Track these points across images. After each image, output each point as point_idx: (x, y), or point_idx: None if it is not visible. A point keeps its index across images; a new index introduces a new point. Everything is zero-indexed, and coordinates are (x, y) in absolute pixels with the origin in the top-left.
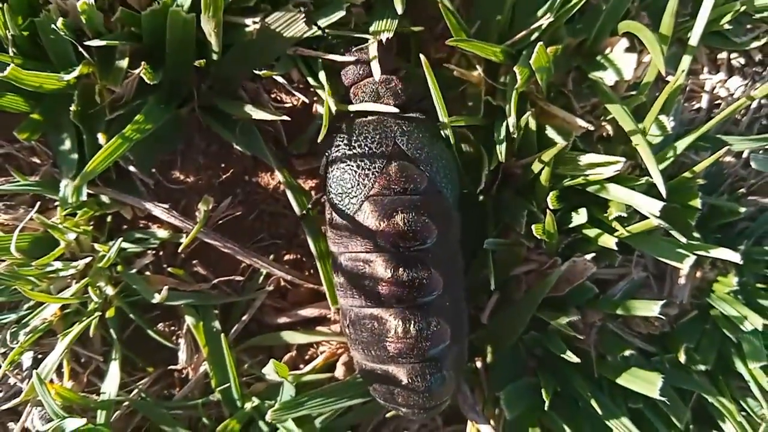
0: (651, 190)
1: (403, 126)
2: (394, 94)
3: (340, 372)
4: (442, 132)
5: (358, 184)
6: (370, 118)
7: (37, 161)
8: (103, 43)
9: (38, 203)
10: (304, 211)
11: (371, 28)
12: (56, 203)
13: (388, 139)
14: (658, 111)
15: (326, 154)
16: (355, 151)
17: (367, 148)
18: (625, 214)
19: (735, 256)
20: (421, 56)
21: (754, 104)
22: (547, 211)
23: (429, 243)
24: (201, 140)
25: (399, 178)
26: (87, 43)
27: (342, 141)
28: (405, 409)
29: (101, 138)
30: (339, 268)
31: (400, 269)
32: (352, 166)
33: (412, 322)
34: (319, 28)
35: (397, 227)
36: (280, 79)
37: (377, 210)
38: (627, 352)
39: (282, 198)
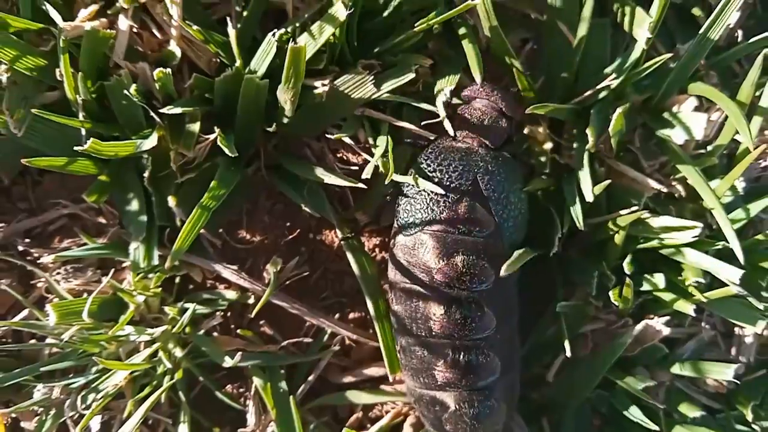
0: (725, 253)
1: (489, 164)
2: (497, 134)
3: None
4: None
5: (426, 211)
6: (459, 144)
7: (103, 221)
8: (178, 110)
9: (107, 266)
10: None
11: (436, 87)
12: (123, 264)
13: (470, 174)
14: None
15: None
16: (434, 175)
17: (446, 176)
18: (702, 280)
19: None
20: None
21: None
22: (626, 279)
23: (484, 286)
24: (266, 199)
25: (466, 219)
26: (162, 110)
27: (425, 162)
28: None
29: (171, 201)
30: (394, 295)
31: (453, 307)
32: (426, 192)
33: (462, 354)
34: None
35: (455, 268)
36: (347, 140)
37: (438, 247)
38: (697, 414)
39: (346, 256)
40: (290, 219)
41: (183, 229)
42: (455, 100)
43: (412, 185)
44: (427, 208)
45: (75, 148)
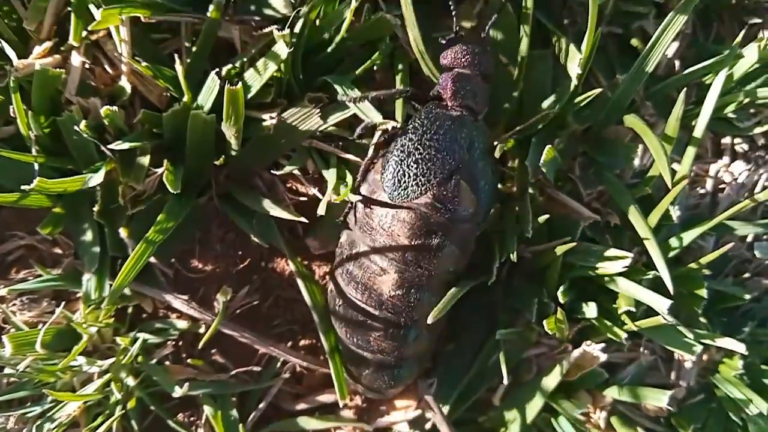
0: (659, 281)
1: (476, 134)
2: (485, 101)
3: None
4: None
5: (418, 180)
6: (451, 113)
7: (59, 252)
8: (126, 146)
9: (61, 297)
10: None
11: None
12: (77, 294)
13: (461, 143)
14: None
15: (387, 129)
16: (432, 142)
17: (443, 145)
18: (633, 309)
19: (740, 347)
20: None
21: (759, 186)
22: (558, 309)
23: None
24: (218, 228)
25: (453, 198)
26: (110, 146)
27: (422, 125)
28: (365, 389)
29: (123, 232)
30: (355, 254)
31: (406, 287)
32: (422, 156)
33: (400, 332)
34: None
35: (424, 246)
36: (296, 171)
37: (416, 225)
38: None
39: (297, 284)
40: (242, 247)
41: (125, 265)
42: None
43: (408, 142)
44: (417, 174)
45: (22, 187)
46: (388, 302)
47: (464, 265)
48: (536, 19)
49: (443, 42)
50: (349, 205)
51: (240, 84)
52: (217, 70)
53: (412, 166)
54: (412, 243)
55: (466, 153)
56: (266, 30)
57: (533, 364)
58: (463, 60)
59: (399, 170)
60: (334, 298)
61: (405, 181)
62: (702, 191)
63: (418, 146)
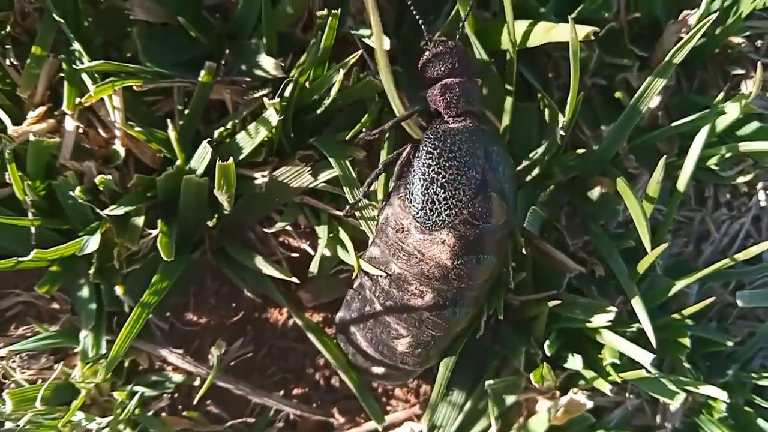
0: (643, 332)
1: (489, 139)
2: (479, 100)
3: None
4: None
5: (449, 204)
6: (455, 125)
7: (57, 307)
8: (121, 211)
9: (60, 352)
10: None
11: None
12: (75, 349)
13: (480, 152)
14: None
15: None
16: (451, 162)
17: (462, 162)
18: (618, 361)
19: (722, 395)
20: None
21: (742, 234)
22: (545, 361)
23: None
24: (213, 281)
25: (487, 212)
26: (105, 211)
27: (436, 148)
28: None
29: (118, 290)
30: (383, 276)
31: (441, 300)
32: (446, 180)
33: (422, 348)
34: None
35: (464, 263)
36: (288, 227)
37: (456, 246)
38: None
39: (291, 332)
40: (236, 300)
41: (122, 331)
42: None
43: (427, 168)
44: (447, 196)
45: (19, 259)
46: (428, 320)
47: (498, 271)
48: (520, 71)
49: (420, 60)
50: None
51: (231, 159)
52: (209, 139)
53: (439, 191)
54: (453, 264)
55: (485, 162)
56: (257, 95)
57: (522, 409)
58: (442, 69)
59: (427, 199)
60: (364, 311)
61: (436, 209)
62: (685, 240)
63: (439, 170)
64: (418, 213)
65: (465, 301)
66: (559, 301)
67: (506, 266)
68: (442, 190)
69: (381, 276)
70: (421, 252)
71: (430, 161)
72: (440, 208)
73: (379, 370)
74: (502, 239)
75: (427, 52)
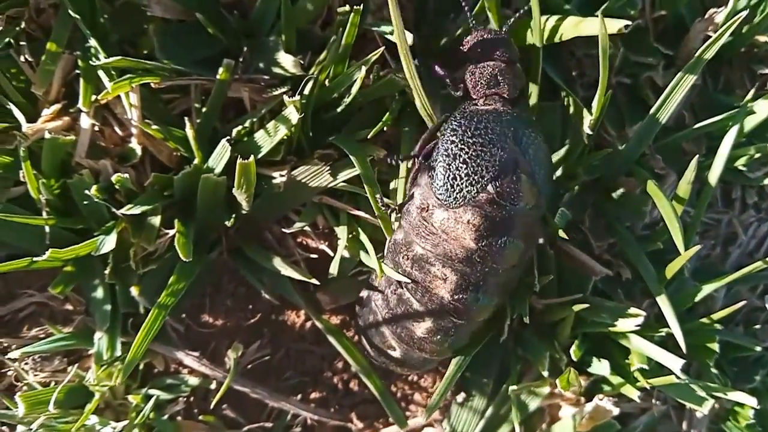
0: (671, 336)
1: (519, 123)
2: (512, 84)
3: None
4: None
5: (471, 179)
6: (484, 107)
7: (70, 308)
8: (138, 210)
9: (74, 353)
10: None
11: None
12: (90, 351)
13: (507, 136)
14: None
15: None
16: (475, 139)
17: (486, 139)
18: (646, 367)
19: (752, 401)
20: None
21: None
22: (570, 369)
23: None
24: (229, 282)
25: (515, 193)
26: (122, 211)
27: (460, 126)
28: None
29: (134, 291)
30: (407, 258)
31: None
32: (468, 155)
33: (441, 334)
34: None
35: (490, 246)
36: (306, 228)
37: (482, 226)
38: None
39: (308, 335)
40: (252, 301)
41: (139, 335)
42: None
43: (453, 146)
44: (470, 173)
45: (34, 259)
46: (450, 305)
47: (527, 258)
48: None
49: (463, 42)
50: (395, 208)
51: (252, 157)
52: (228, 137)
53: (461, 167)
54: (479, 245)
55: (514, 144)
56: (275, 93)
57: (546, 415)
58: (479, 51)
59: (449, 175)
60: (386, 291)
61: (458, 185)
62: (712, 242)
63: (462, 146)
64: (440, 189)
65: (489, 288)
66: (585, 305)
67: (533, 258)
68: (465, 166)
69: (403, 257)
70: (446, 232)
71: (453, 137)
72: (462, 183)
73: (395, 353)
74: (532, 225)
75: (469, 37)
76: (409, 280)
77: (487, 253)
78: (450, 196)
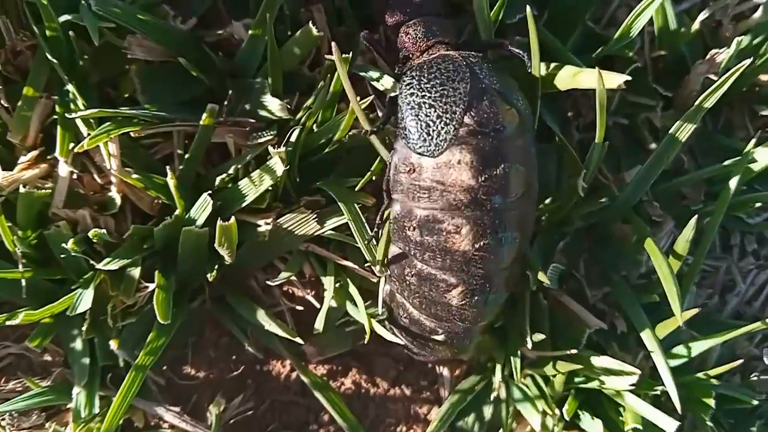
0: (666, 394)
1: (474, 59)
2: (452, 29)
3: None
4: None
5: (443, 119)
6: (433, 56)
7: (49, 359)
8: (116, 266)
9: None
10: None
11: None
12: (68, 405)
13: (463, 71)
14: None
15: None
16: (432, 82)
17: (445, 77)
18: (640, 427)
19: None
20: None
21: None
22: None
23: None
24: (212, 332)
25: (493, 117)
26: (100, 266)
27: (414, 78)
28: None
29: (113, 344)
30: (413, 228)
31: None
32: (432, 98)
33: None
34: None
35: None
36: (292, 277)
37: (474, 161)
38: None
39: (293, 387)
40: (236, 352)
41: (117, 397)
42: None
43: (413, 97)
44: (441, 111)
45: (7, 323)
46: (475, 257)
47: (536, 189)
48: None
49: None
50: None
51: (233, 219)
52: (210, 191)
53: (430, 112)
54: (479, 181)
55: (470, 74)
56: (261, 140)
57: None
58: (403, 13)
59: (420, 125)
60: (404, 274)
61: (434, 129)
62: (710, 290)
63: (423, 93)
64: (417, 142)
65: (506, 224)
66: (578, 366)
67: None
68: (432, 110)
69: (409, 228)
70: (441, 182)
71: (411, 90)
72: (437, 127)
73: (439, 337)
74: (525, 148)
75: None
76: (410, 271)
77: (491, 187)
78: (431, 144)
